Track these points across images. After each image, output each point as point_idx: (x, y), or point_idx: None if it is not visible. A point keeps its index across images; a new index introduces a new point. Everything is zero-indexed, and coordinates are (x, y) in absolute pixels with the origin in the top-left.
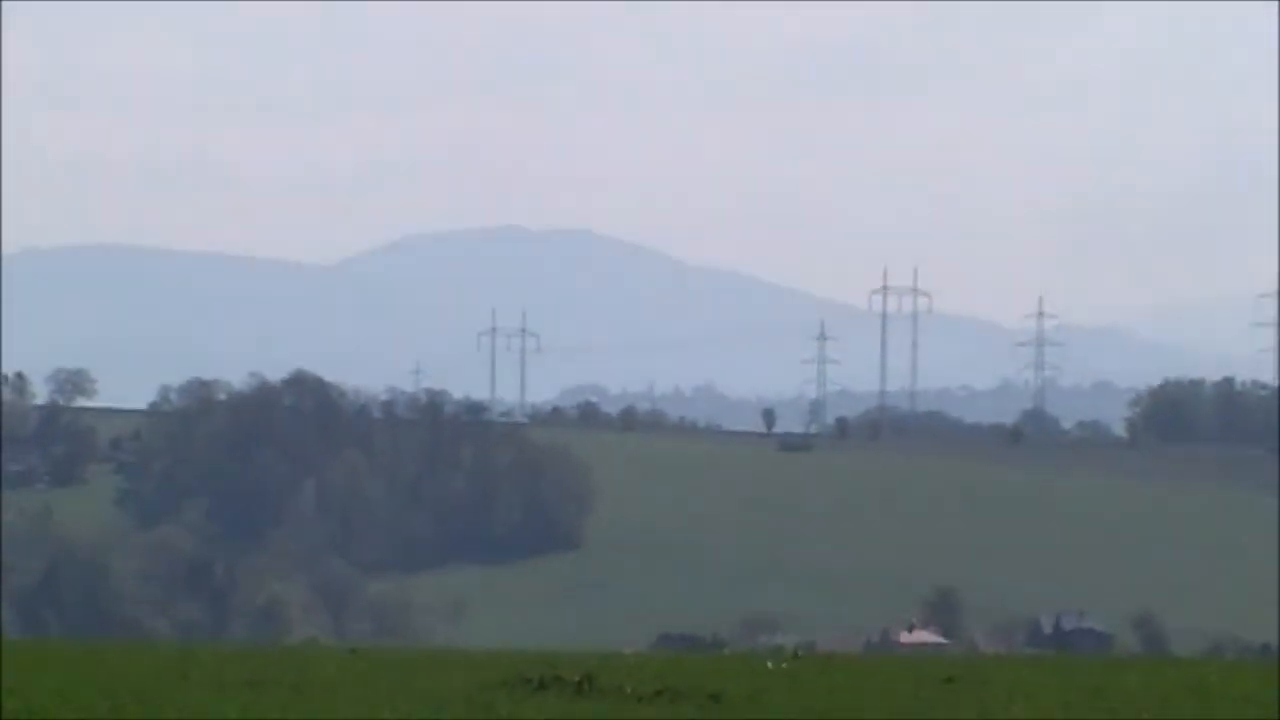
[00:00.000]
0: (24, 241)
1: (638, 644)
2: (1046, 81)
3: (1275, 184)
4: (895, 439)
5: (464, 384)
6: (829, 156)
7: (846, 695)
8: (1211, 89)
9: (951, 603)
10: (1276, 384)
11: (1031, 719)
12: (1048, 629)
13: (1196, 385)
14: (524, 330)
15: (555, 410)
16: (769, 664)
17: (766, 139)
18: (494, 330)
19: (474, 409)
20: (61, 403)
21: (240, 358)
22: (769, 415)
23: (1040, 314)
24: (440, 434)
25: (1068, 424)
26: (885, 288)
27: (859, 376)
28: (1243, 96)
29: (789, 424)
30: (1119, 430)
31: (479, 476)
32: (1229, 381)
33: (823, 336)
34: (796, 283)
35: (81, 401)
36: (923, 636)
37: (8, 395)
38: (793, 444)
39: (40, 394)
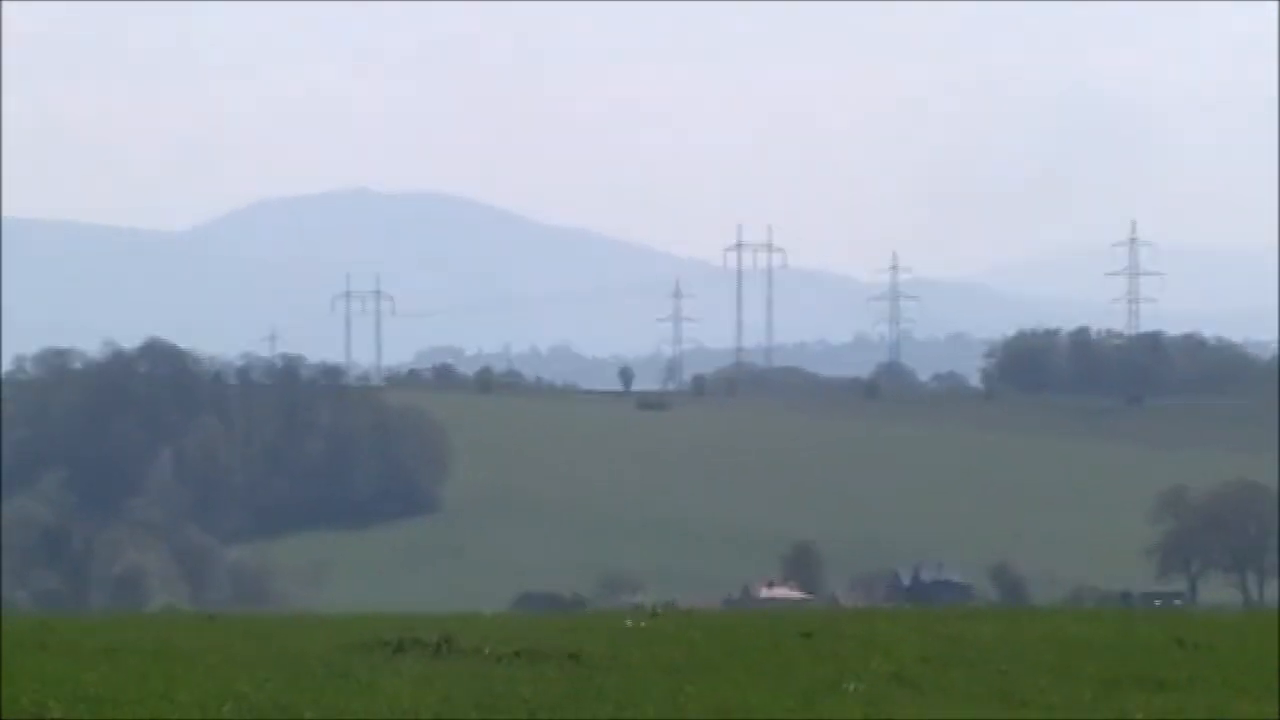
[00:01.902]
0: None
1: (497, 605)
2: (899, 35)
3: (1125, 137)
4: (752, 395)
5: (319, 348)
6: (684, 114)
7: (705, 651)
8: (1063, 43)
9: (810, 557)
10: (1130, 333)
11: (889, 671)
12: (906, 581)
13: (1051, 336)
14: (378, 293)
15: (411, 373)
16: (628, 622)
17: (617, 98)
18: (348, 294)
19: (330, 373)
20: None
21: (93, 327)
22: (626, 374)
23: (895, 268)
24: (296, 399)
25: (924, 376)
26: (740, 245)
27: (715, 334)
28: (1094, 50)
29: (646, 382)
30: (975, 382)
31: (336, 441)
32: (1083, 331)
33: (678, 294)
34: (652, 242)
35: None
36: (782, 592)
37: None
38: (650, 402)
39: None
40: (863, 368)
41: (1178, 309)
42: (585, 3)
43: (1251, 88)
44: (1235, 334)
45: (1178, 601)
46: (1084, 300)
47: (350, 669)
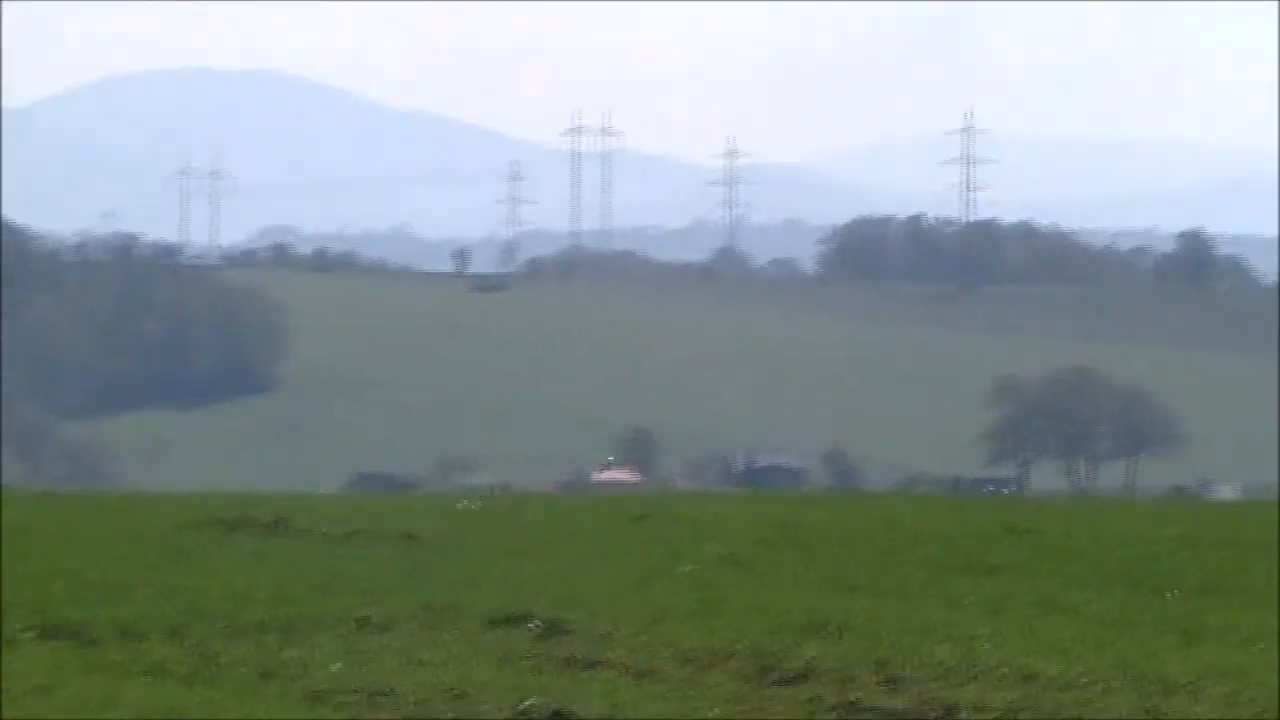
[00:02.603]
0: None
1: (333, 485)
2: None
3: (962, 23)
4: (589, 278)
5: (156, 227)
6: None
7: (538, 533)
8: None
9: (646, 441)
10: (964, 220)
11: (722, 554)
12: (741, 466)
13: (886, 222)
14: (215, 172)
15: (248, 252)
16: (459, 504)
17: None
18: (185, 172)
19: (167, 251)
20: None
21: None
22: (463, 255)
23: (731, 152)
24: (133, 277)
25: (760, 261)
26: (577, 127)
27: (553, 217)
28: None
29: (483, 265)
30: (810, 268)
31: (173, 320)
32: (917, 218)
33: (515, 177)
34: (490, 123)
35: None
36: (617, 475)
37: None
38: (486, 284)
39: None
40: (699, 252)
41: (1012, 197)
42: None
43: None
44: (1069, 221)
45: (1009, 488)
46: (920, 187)
47: (185, 547)
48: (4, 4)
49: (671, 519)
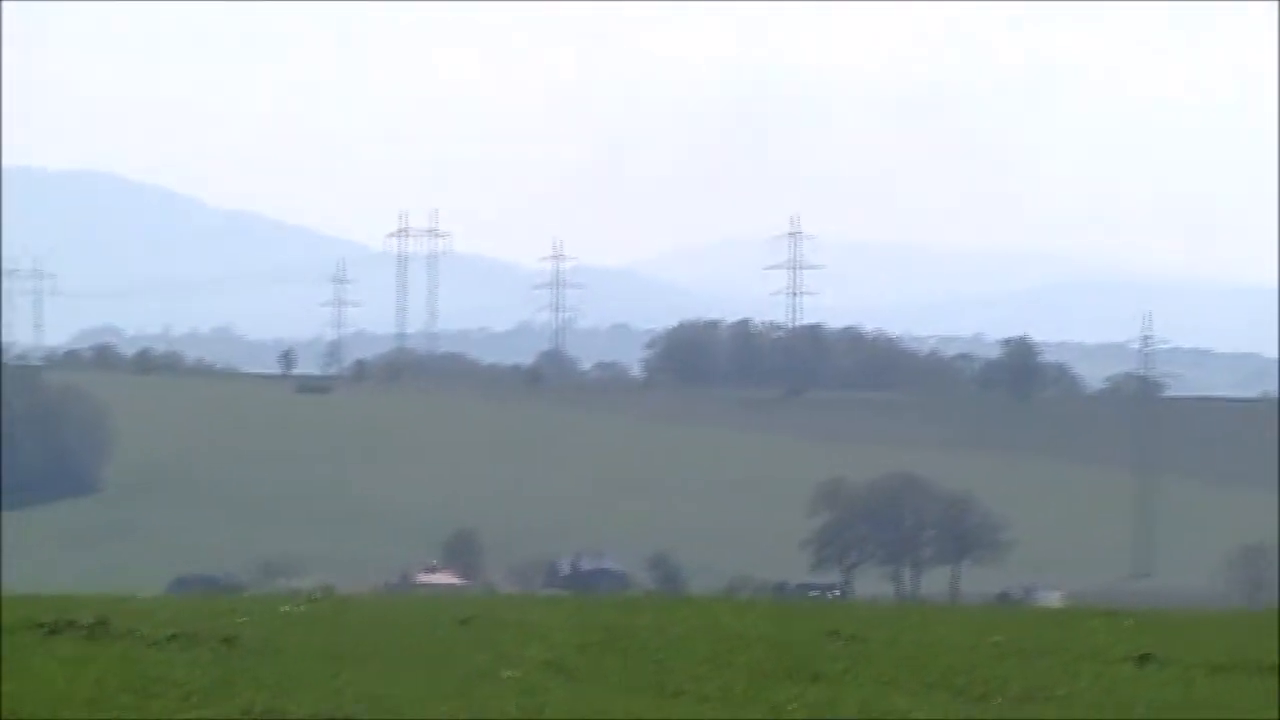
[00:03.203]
0: None
1: (156, 587)
2: (556, 20)
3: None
4: (415, 380)
5: None
6: (351, 98)
7: (361, 637)
8: (730, 33)
9: (471, 544)
10: (791, 325)
11: (545, 659)
12: (566, 569)
13: (713, 327)
14: (38, 272)
15: (71, 353)
16: (284, 607)
17: (289, 81)
18: (9, 272)
19: None
20: None
21: None
22: (288, 357)
23: (558, 256)
24: None
25: (586, 365)
26: (404, 230)
27: (378, 319)
28: (760, 42)
29: (308, 366)
30: (637, 371)
31: None
32: (745, 323)
33: (340, 278)
34: (317, 225)
35: None
36: (442, 578)
37: None
38: (311, 385)
39: None
40: (526, 355)
41: (838, 303)
42: None
43: (909, 85)
44: (895, 327)
45: (833, 593)
46: (747, 292)
47: (2, 651)
48: None
49: (496, 622)
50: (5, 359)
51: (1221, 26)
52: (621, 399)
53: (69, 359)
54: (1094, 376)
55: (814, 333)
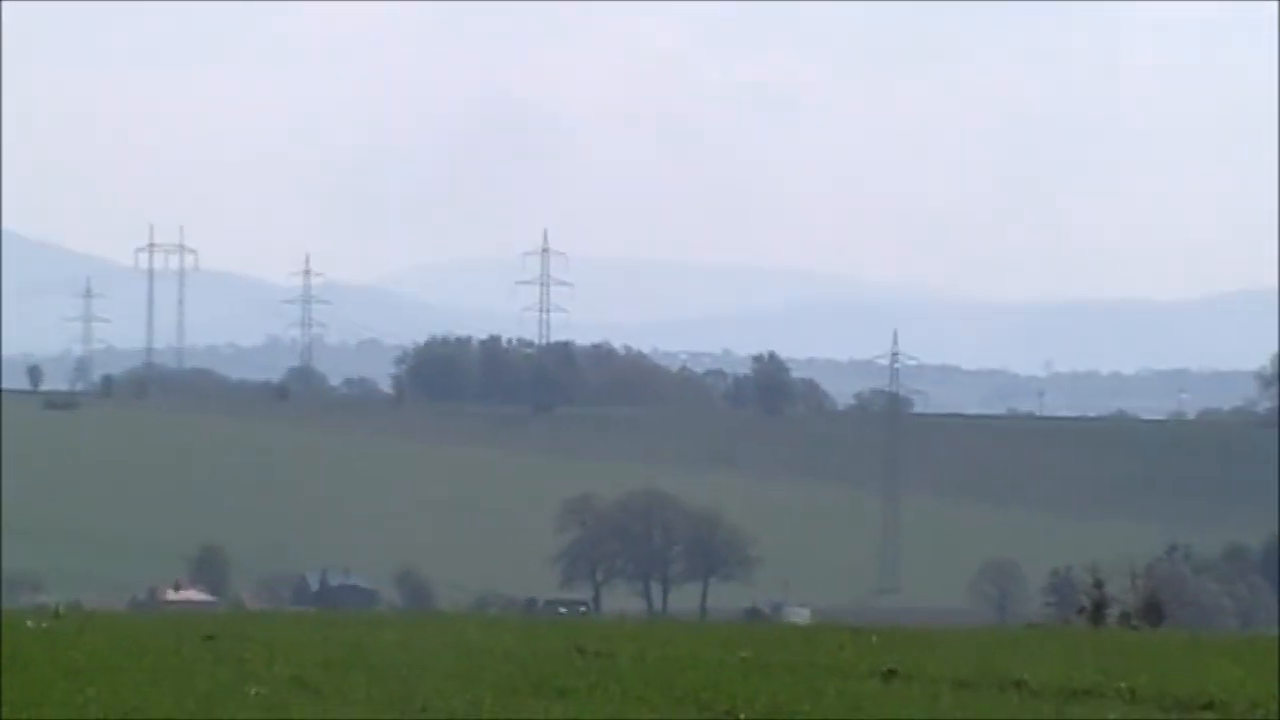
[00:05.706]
0: None
1: None
2: (307, 35)
3: (539, 146)
4: (162, 397)
5: None
6: (101, 113)
7: (107, 653)
8: (480, 49)
9: (218, 560)
10: (541, 342)
11: (290, 675)
12: (314, 586)
13: (463, 344)
14: None
15: None
16: (29, 623)
17: (35, 97)
18: None
19: None
20: None
21: None
22: (34, 373)
23: (307, 271)
24: None
25: (335, 381)
26: (152, 245)
27: (126, 334)
28: (510, 58)
29: (56, 382)
30: (386, 388)
31: None
32: (494, 340)
33: (88, 294)
34: (66, 241)
35: None
36: (189, 595)
37: None
38: (57, 402)
39: None
40: (274, 371)
41: (588, 320)
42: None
43: (658, 102)
44: (646, 344)
45: (582, 609)
46: (496, 309)
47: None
48: None
49: (241, 639)
50: None
51: (944, 49)
52: (371, 415)
53: None
54: (843, 393)
55: (564, 349)
